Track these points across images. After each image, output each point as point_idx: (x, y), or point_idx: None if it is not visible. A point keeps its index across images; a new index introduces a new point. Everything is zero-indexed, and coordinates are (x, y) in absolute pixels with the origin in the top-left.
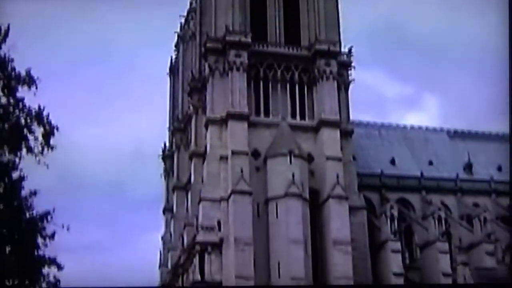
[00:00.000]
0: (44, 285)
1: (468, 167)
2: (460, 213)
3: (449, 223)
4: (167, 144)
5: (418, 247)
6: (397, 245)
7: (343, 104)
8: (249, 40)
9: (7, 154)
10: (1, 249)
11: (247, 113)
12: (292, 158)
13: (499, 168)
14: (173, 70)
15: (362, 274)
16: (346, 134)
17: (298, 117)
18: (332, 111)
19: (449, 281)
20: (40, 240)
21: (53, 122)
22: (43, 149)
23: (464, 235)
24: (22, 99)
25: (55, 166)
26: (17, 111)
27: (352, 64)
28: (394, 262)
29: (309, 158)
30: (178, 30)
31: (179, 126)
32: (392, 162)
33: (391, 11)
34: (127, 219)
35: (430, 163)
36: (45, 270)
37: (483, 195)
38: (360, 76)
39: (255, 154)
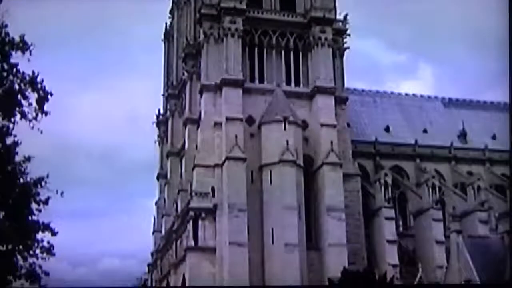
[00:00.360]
0: (38, 250)
1: (463, 135)
2: (454, 181)
3: (443, 191)
4: (162, 110)
5: (411, 215)
6: (391, 212)
7: (338, 71)
8: (244, 6)
9: (0, 119)
10: None
11: (242, 80)
12: (287, 124)
13: (494, 137)
14: (168, 36)
15: (355, 241)
16: (340, 101)
17: (293, 83)
18: (327, 78)
19: (442, 248)
20: (34, 206)
21: (47, 88)
22: (37, 115)
23: (458, 203)
24: (16, 65)
25: (49, 132)
26: (11, 76)
27: (348, 32)
28: (388, 229)
29: (304, 125)
30: None
31: (174, 92)
32: (387, 129)
33: None
34: (121, 185)
35: (425, 131)
36: (39, 235)
37: (477, 164)
38: (355, 43)
39: (250, 120)
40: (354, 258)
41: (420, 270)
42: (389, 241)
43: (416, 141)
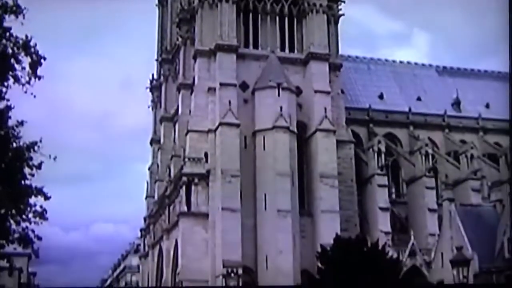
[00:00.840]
0: (30, 214)
1: (456, 103)
2: (447, 149)
3: (436, 159)
4: (155, 75)
5: (404, 182)
6: (384, 180)
7: (333, 38)
8: None
9: None
10: None
11: (236, 45)
12: (280, 90)
13: (487, 106)
14: (162, 1)
15: (348, 208)
16: (334, 68)
17: (287, 49)
18: (321, 45)
19: (434, 216)
20: (27, 170)
21: (40, 52)
22: (30, 79)
23: (451, 171)
24: (9, 29)
25: (43, 97)
26: (4, 40)
27: None
28: (381, 197)
29: (297, 91)
30: None
31: (167, 57)
32: (381, 96)
33: None
34: (114, 150)
35: (419, 98)
36: (32, 200)
37: (471, 132)
38: (350, 10)
39: (243, 86)
40: (346, 225)
41: (412, 237)
42: (381, 208)
43: (409, 108)
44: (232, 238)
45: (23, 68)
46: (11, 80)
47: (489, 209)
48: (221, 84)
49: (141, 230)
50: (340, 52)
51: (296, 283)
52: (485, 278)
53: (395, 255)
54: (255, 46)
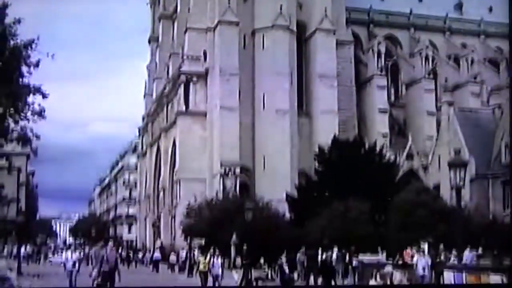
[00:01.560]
0: (29, 113)
1: (459, 6)
2: (447, 53)
3: (436, 62)
4: None
5: (404, 85)
6: (383, 81)
7: None
8: None
9: None
10: None
11: None
12: None
13: (490, 9)
14: None
15: (347, 109)
16: None
17: None
18: None
19: (432, 120)
20: (24, 68)
21: None
22: None
23: (451, 75)
24: None
25: None
26: None
27: None
28: (379, 98)
29: None
30: None
31: None
32: None
33: None
34: (112, 48)
35: (420, 0)
36: (30, 98)
37: (472, 36)
38: None
39: None
40: (344, 126)
41: (410, 140)
42: (380, 110)
43: (411, 10)
44: (230, 137)
45: None
46: None
47: (487, 114)
48: None
49: (139, 129)
50: None
51: (293, 183)
52: (481, 183)
53: (392, 158)
54: None
